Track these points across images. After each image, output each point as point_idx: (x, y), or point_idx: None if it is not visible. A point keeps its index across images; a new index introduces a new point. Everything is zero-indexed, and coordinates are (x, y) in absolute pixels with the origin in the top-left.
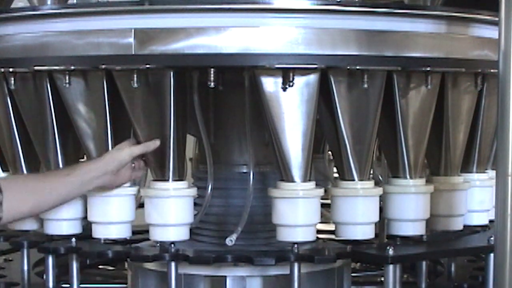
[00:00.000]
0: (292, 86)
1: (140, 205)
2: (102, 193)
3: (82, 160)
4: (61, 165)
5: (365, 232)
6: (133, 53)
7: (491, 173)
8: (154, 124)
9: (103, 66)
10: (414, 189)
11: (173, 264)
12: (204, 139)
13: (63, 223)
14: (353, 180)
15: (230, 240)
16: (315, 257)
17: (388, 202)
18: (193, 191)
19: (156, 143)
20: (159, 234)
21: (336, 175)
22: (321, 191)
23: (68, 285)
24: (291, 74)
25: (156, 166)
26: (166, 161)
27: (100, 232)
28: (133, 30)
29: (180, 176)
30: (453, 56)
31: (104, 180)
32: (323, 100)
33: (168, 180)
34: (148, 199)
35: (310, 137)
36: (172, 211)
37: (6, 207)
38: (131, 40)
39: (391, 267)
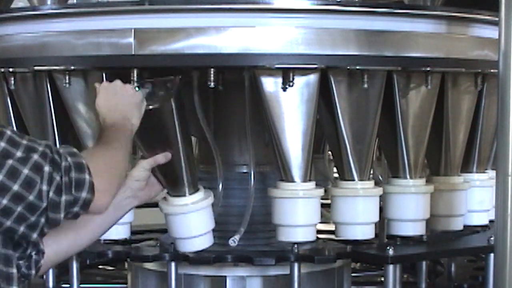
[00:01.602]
0: (292, 86)
1: (140, 205)
2: None
3: None
4: None
5: (365, 232)
6: (133, 53)
7: (491, 173)
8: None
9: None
10: (414, 189)
11: (173, 264)
12: (211, 143)
13: None
14: (353, 180)
15: (233, 241)
16: (315, 257)
17: (388, 202)
18: (209, 201)
19: (167, 156)
20: (186, 246)
21: (336, 175)
22: (321, 191)
23: (68, 285)
24: (291, 74)
25: (170, 183)
26: (180, 178)
27: None
28: (133, 30)
29: (195, 187)
30: (453, 56)
31: (139, 199)
32: (323, 100)
33: (184, 195)
34: (169, 216)
35: (310, 137)
36: (195, 223)
37: (46, 245)
38: (131, 40)
39: (391, 267)
